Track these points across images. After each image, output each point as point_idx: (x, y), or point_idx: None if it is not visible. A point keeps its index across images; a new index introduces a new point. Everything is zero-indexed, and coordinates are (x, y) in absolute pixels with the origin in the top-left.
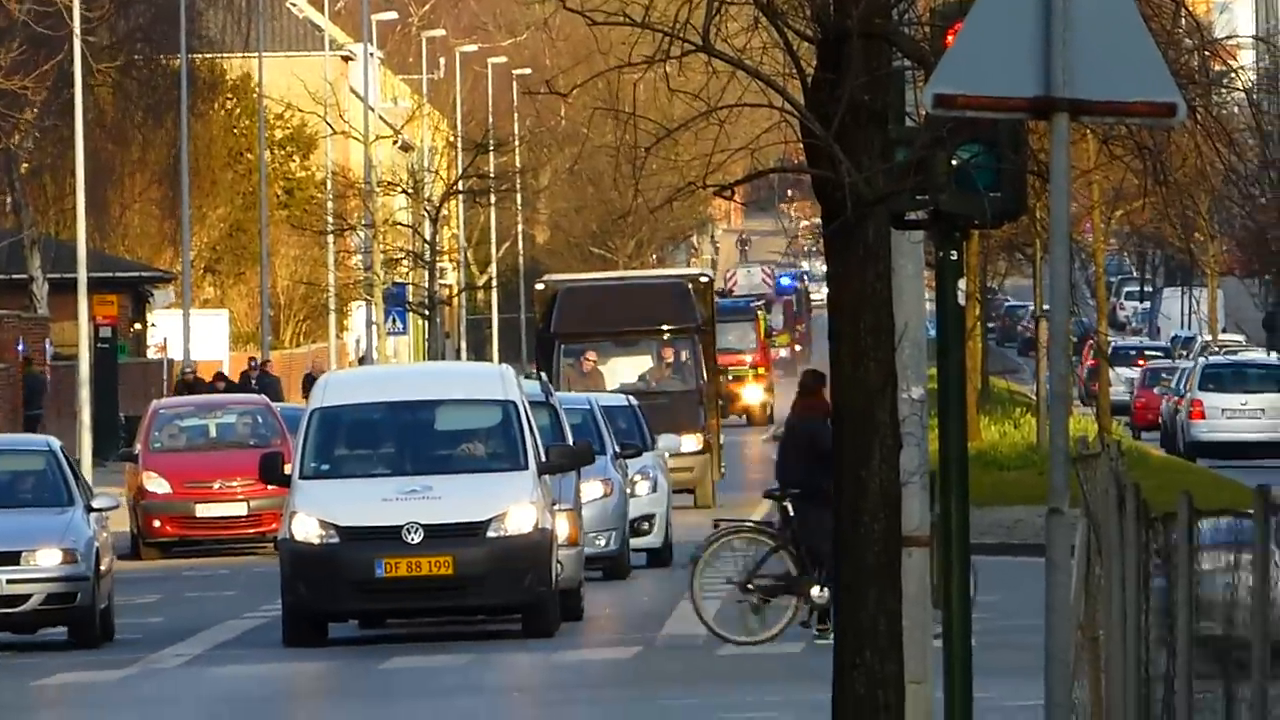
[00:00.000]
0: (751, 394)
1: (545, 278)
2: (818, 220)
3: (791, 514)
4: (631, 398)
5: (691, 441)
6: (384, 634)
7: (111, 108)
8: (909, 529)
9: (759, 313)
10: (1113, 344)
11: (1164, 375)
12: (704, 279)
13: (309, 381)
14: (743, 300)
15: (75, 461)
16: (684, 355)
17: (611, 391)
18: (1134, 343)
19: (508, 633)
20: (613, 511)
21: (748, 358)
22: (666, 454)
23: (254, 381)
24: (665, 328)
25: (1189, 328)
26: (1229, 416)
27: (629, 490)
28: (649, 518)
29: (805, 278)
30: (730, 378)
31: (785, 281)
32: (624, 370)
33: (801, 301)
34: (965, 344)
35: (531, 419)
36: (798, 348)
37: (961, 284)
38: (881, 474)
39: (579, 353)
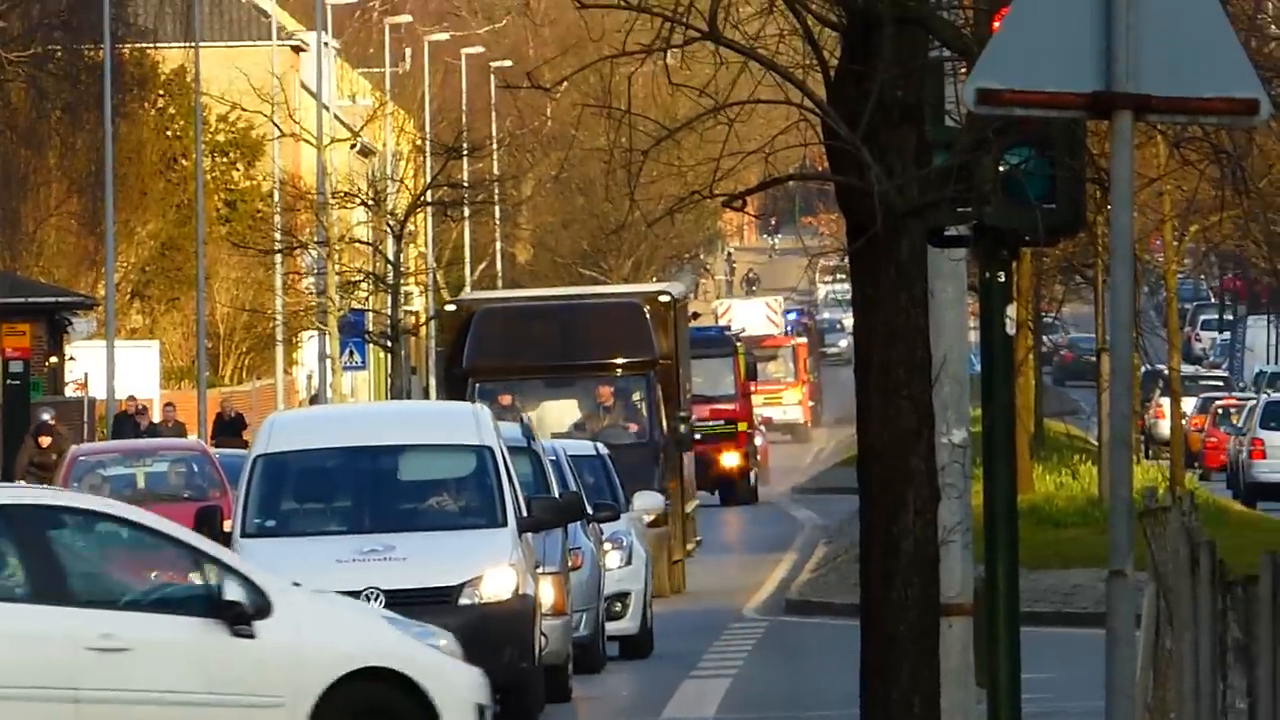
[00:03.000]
0: (727, 459)
1: (458, 297)
2: (834, 245)
3: None
4: (601, 446)
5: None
6: None
7: (25, 106)
8: (948, 596)
9: (736, 345)
10: (1149, 371)
11: (1234, 411)
12: (665, 298)
13: (220, 424)
14: (714, 329)
15: None
16: (636, 397)
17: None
18: (1188, 372)
19: None
20: (584, 588)
21: (719, 407)
22: (644, 517)
23: (142, 430)
24: (611, 362)
25: (1275, 361)
26: None
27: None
28: (622, 596)
29: (811, 314)
30: (697, 437)
31: (793, 316)
32: (556, 418)
33: (814, 345)
34: (1015, 380)
35: (510, 467)
36: (811, 404)
37: (1011, 310)
38: (916, 531)
39: (499, 395)
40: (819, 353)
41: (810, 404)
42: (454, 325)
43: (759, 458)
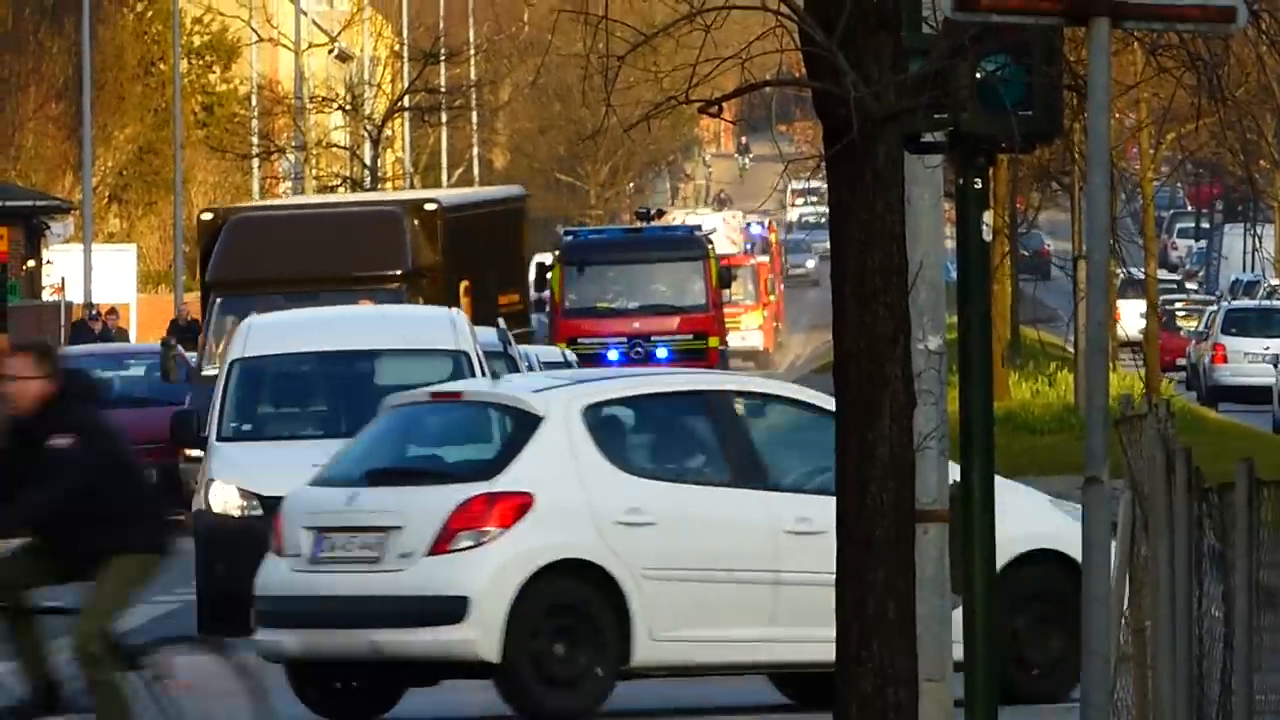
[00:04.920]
0: None
1: (213, 206)
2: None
3: None
4: (569, 353)
5: None
6: None
7: (4, 9)
8: (924, 502)
9: (708, 247)
10: (1121, 275)
11: (1180, 314)
12: (430, 206)
13: (175, 329)
14: (682, 229)
15: None
16: None
17: None
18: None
19: None
20: None
21: (687, 318)
22: None
23: (96, 336)
24: (360, 275)
25: (1251, 269)
26: (1251, 361)
27: None
28: None
29: (774, 225)
30: (661, 354)
31: (755, 230)
32: None
33: (776, 262)
34: (991, 287)
35: (487, 372)
36: (777, 325)
37: (987, 217)
38: (892, 437)
39: (243, 310)
40: (784, 272)
41: (773, 327)
42: (206, 234)
43: None
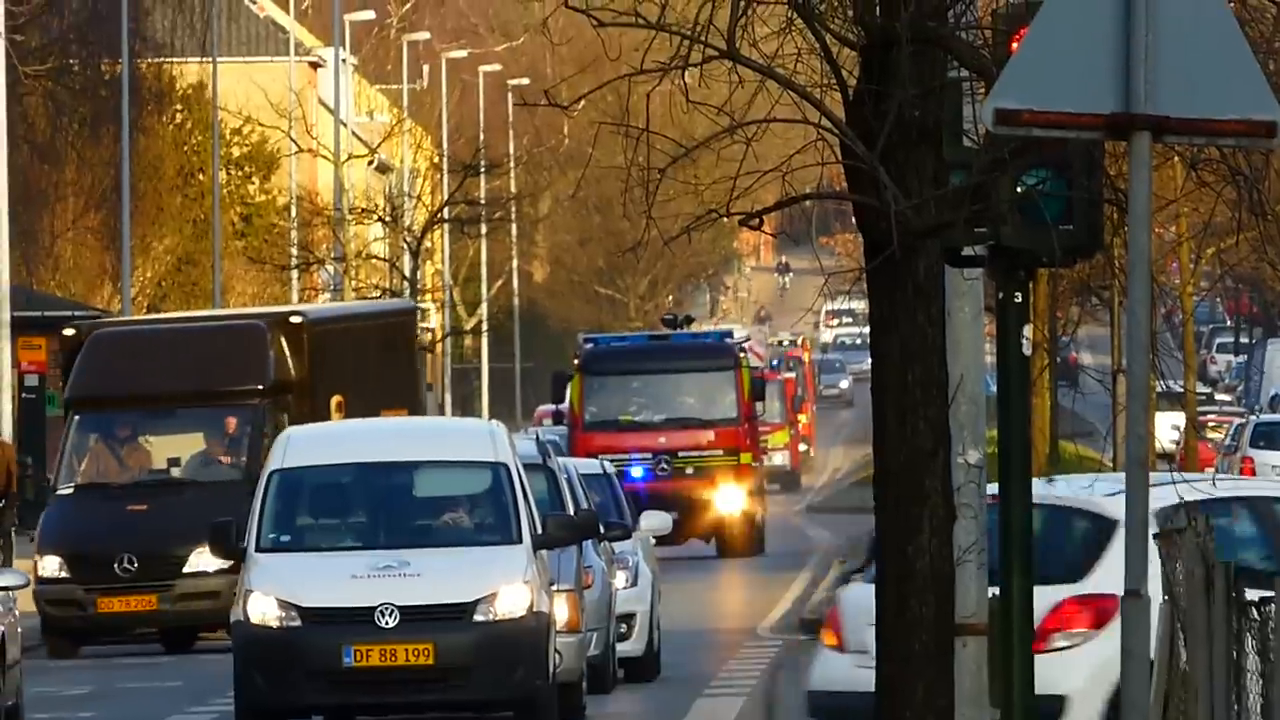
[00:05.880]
0: (727, 499)
1: (78, 322)
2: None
3: None
4: (607, 465)
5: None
6: None
7: (42, 120)
8: (963, 615)
9: (739, 356)
10: (1160, 388)
11: (1210, 426)
12: (296, 319)
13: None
14: (711, 336)
15: None
16: (244, 431)
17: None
18: (1177, 389)
19: None
20: (596, 607)
21: (717, 433)
22: (652, 537)
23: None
24: (218, 390)
25: None
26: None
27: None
28: (628, 618)
29: (807, 344)
30: (689, 471)
31: (787, 344)
32: (172, 453)
33: (802, 379)
34: (1031, 401)
35: (526, 484)
36: (804, 449)
37: (1027, 331)
38: (931, 550)
39: (106, 427)
40: (817, 392)
41: (804, 448)
42: (69, 352)
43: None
